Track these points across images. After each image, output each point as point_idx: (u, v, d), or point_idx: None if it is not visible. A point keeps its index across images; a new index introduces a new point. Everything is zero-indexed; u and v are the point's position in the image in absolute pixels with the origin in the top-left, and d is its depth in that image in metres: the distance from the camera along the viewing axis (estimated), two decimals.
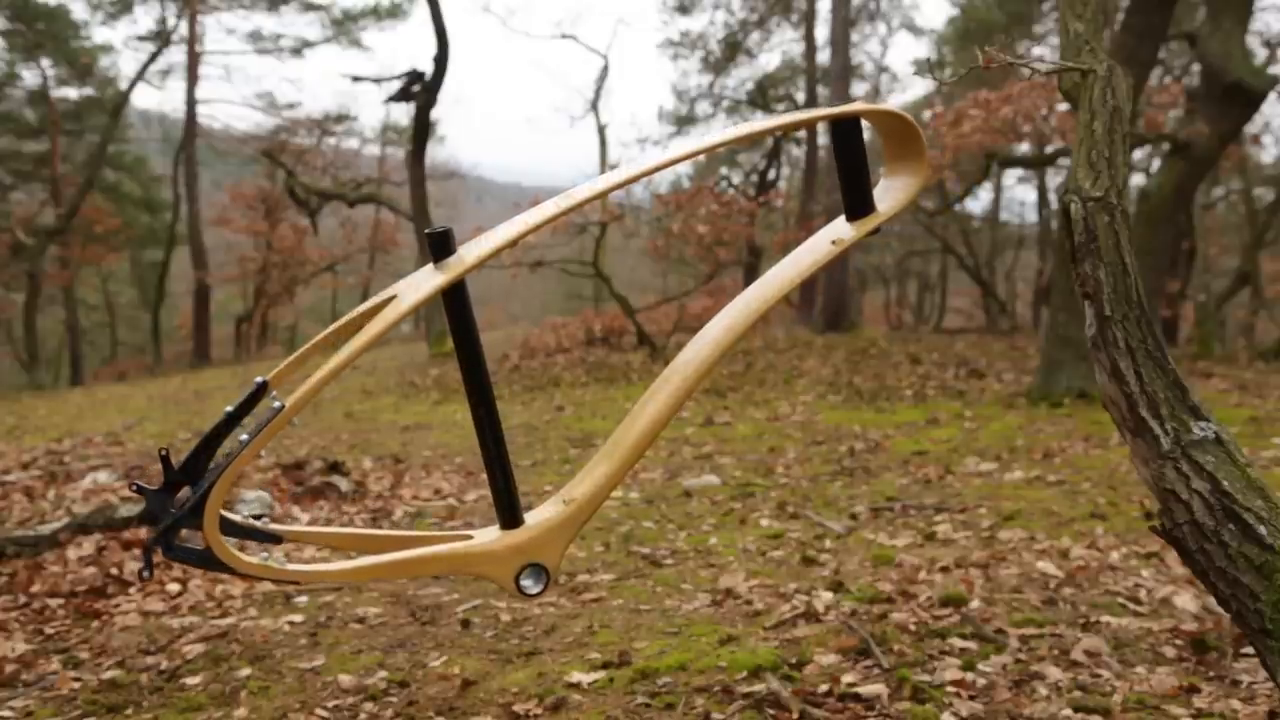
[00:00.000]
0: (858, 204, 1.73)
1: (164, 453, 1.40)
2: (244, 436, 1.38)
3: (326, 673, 2.76)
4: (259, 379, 1.43)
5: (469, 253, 1.46)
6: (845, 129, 1.69)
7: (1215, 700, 2.35)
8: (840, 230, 1.75)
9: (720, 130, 1.69)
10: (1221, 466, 1.68)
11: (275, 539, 1.57)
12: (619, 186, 1.58)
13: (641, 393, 1.69)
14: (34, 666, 2.88)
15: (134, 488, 1.41)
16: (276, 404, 1.40)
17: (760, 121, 1.75)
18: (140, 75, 22.07)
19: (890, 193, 1.76)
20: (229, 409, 1.40)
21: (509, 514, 1.57)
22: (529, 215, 1.51)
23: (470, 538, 1.57)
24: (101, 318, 27.44)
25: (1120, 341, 1.78)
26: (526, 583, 1.56)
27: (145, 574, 1.39)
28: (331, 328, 1.50)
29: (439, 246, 1.45)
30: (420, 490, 5.43)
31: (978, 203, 22.82)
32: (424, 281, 1.46)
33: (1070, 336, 7.71)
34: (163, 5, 22.21)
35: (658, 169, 1.60)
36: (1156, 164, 13.49)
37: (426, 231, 1.46)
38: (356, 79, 24.76)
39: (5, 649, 2.96)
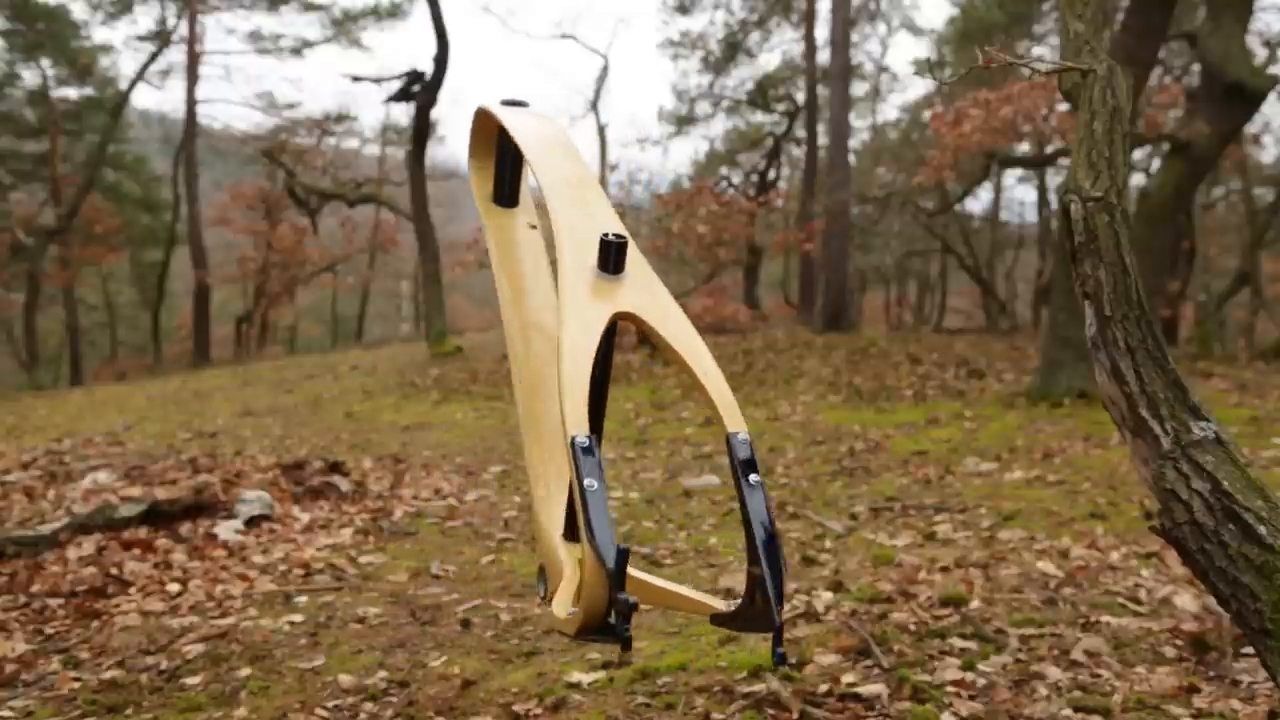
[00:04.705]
0: (512, 196, 1.95)
1: (622, 549, 1.18)
2: (753, 477, 1.24)
3: (326, 673, 2.76)
4: (586, 438, 1.22)
5: (636, 262, 1.37)
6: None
7: (1215, 700, 2.34)
8: (527, 216, 1.94)
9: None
10: (1221, 466, 1.68)
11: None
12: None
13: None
14: (34, 666, 2.88)
15: (622, 629, 1.20)
16: (741, 436, 1.28)
17: (583, 169, 1.66)
18: (140, 75, 22.10)
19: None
20: (592, 485, 1.19)
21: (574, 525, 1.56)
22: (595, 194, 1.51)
23: (563, 560, 1.52)
24: (101, 318, 27.42)
25: (1120, 341, 1.78)
26: None
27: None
28: (575, 361, 1.30)
29: (616, 259, 1.35)
30: (420, 490, 5.44)
31: (978, 203, 22.87)
32: (640, 296, 1.38)
33: (1070, 336, 7.70)
34: (163, 5, 22.23)
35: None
36: (1156, 164, 13.48)
37: (611, 240, 1.34)
38: (356, 79, 24.72)
39: (5, 649, 2.95)
